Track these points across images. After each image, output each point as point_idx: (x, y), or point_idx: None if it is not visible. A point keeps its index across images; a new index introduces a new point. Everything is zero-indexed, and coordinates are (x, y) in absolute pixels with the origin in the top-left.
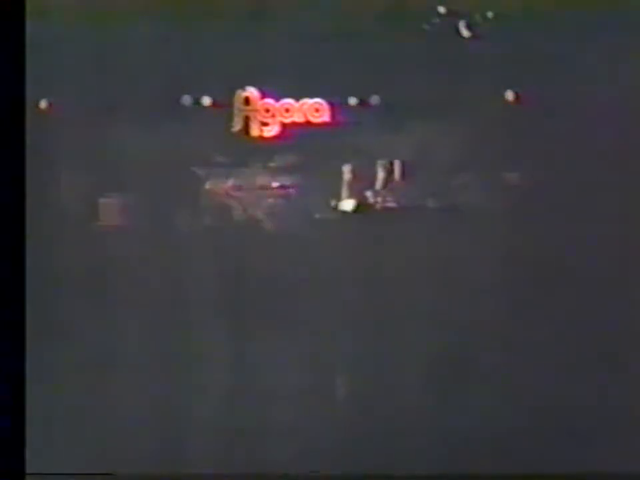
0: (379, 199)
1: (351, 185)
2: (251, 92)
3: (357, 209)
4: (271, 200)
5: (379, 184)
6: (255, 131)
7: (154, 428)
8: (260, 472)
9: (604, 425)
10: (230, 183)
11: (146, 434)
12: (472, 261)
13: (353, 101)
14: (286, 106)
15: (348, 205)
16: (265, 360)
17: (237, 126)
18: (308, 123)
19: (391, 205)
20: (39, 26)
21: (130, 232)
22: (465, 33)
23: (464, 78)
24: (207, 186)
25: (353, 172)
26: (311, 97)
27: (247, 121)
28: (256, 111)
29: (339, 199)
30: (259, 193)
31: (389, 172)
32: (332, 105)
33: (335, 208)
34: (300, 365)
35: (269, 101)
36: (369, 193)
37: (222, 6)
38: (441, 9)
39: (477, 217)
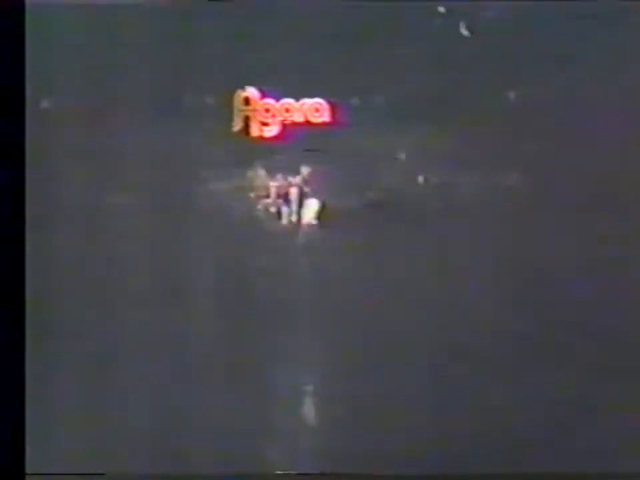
0: (384, 198)
1: (313, 186)
2: (251, 92)
3: (323, 212)
4: (270, 199)
5: (381, 183)
6: (255, 130)
7: (155, 428)
8: (260, 472)
9: (606, 424)
10: (230, 182)
11: (147, 434)
12: (472, 260)
13: (353, 100)
14: (286, 106)
15: (311, 206)
16: (263, 360)
17: (237, 126)
18: (308, 123)
19: (390, 203)
20: (39, 25)
21: (130, 231)
22: (465, 33)
23: (464, 78)
24: (207, 185)
25: (313, 172)
26: (311, 96)
27: (246, 121)
28: (256, 110)
29: (332, 198)
30: (258, 192)
31: (388, 172)
32: (332, 105)
33: (298, 214)
34: (301, 364)
35: (269, 100)
36: (372, 192)
37: (222, 6)
38: (441, 9)
39: (476, 217)
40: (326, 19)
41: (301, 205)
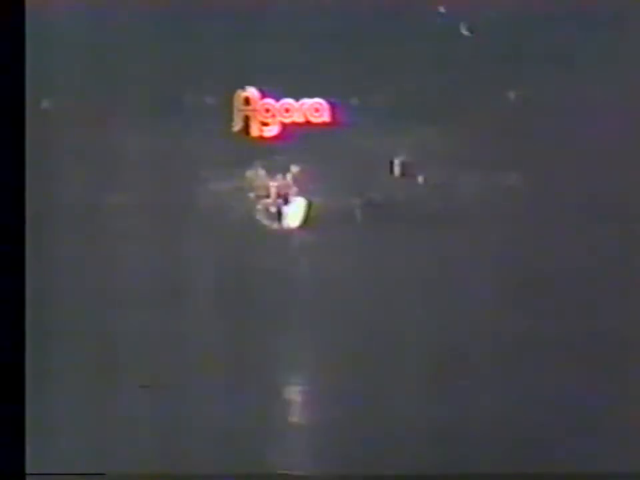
0: (380, 198)
1: (311, 185)
2: (251, 92)
3: (308, 213)
4: (270, 199)
5: (377, 184)
6: (255, 131)
7: (155, 428)
8: (260, 472)
9: (605, 424)
10: (230, 182)
11: (147, 434)
12: (472, 260)
13: (353, 100)
14: (286, 106)
15: (299, 206)
16: (266, 359)
17: (237, 126)
18: (308, 123)
19: (390, 204)
20: (39, 25)
21: (130, 231)
22: (465, 33)
23: (464, 78)
24: (207, 185)
25: (313, 172)
26: (311, 96)
27: (246, 121)
28: (256, 111)
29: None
30: (258, 192)
31: (388, 172)
32: (332, 105)
33: (279, 213)
34: (304, 363)
35: (269, 100)
36: (372, 191)
37: (222, 6)
38: (441, 9)
39: (476, 217)
40: (326, 18)
41: (300, 204)
